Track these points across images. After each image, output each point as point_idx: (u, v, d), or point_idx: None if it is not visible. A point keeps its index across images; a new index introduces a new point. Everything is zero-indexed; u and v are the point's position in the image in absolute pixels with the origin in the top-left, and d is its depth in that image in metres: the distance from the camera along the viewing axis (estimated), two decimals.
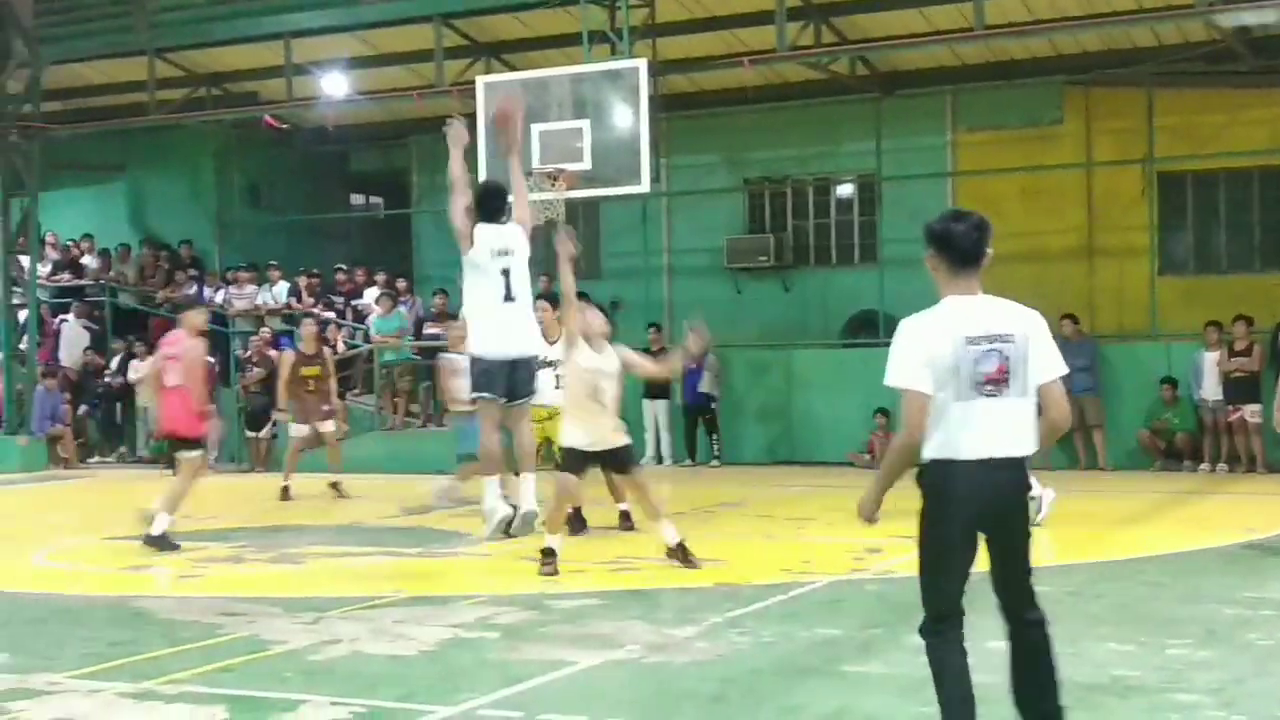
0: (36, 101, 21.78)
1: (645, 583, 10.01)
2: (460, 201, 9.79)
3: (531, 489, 9.69)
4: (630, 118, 16.18)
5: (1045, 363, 5.12)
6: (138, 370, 21.72)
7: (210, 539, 12.75)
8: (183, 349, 12.21)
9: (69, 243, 24.75)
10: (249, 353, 21.24)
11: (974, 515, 5.02)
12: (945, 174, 21.10)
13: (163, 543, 11.78)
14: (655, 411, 20.25)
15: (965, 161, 21.02)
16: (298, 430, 16.73)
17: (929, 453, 5.00)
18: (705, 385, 19.91)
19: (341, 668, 7.32)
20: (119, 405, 22.61)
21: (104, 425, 22.87)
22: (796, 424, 20.03)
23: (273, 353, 20.36)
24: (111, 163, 24.75)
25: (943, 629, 5.07)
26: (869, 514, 5.32)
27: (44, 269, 23.57)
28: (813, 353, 20.92)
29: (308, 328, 17.60)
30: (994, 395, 4.97)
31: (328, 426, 16.81)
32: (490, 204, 9.84)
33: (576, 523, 12.13)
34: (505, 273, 9.57)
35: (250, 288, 22.78)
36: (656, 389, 20.20)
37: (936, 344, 4.96)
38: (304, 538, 12.68)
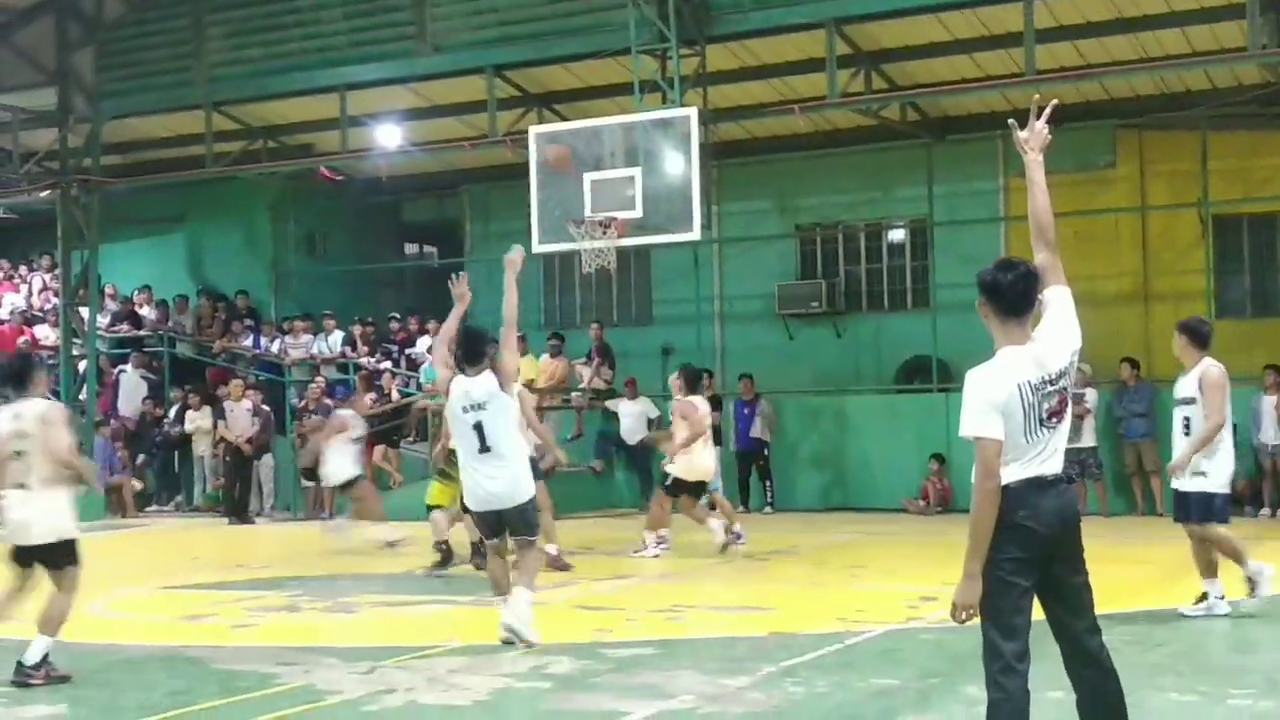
0: (96, 156, 22.15)
1: (698, 631, 9.97)
2: (442, 351, 9.83)
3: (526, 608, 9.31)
4: (682, 165, 16.25)
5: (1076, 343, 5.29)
6: (194, 420, 21.96)
7: (265, 587, 12.82)
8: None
9: (128, 294, 25.08)
10: (304, 401, 21.40)
11: (1046, 537, 5.02)
12: (998, 219, 21.04)
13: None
14: None
15: (1018, 206, 20.87)
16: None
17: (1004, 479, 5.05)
18: (758, 431, 19.89)
19: (396, 718, 7.32)
20: (176, 454, 22.82)
21: (161, 474, 23.08)
22: (850, 470, 19.95)
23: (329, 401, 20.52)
24: (170, 215, 25.10)
25: (1018, 672, 4.97)
26: (969, 602, 5.01)
27: (103, 320, 23.89)
28: (866, 398, 20.87)
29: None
30: (1056, 425, 5.14)
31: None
32: (465, 349, 9.56)
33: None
34: (477, 427, 9.24)
35: (306, 337, 23.00)
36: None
37: (1004, 395, 5.04)
38: (358, 586, 12.72)
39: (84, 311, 22.64)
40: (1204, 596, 9.93)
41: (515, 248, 10.14)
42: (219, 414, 21.49)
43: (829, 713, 7.19)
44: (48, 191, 22.30)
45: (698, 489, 14.69)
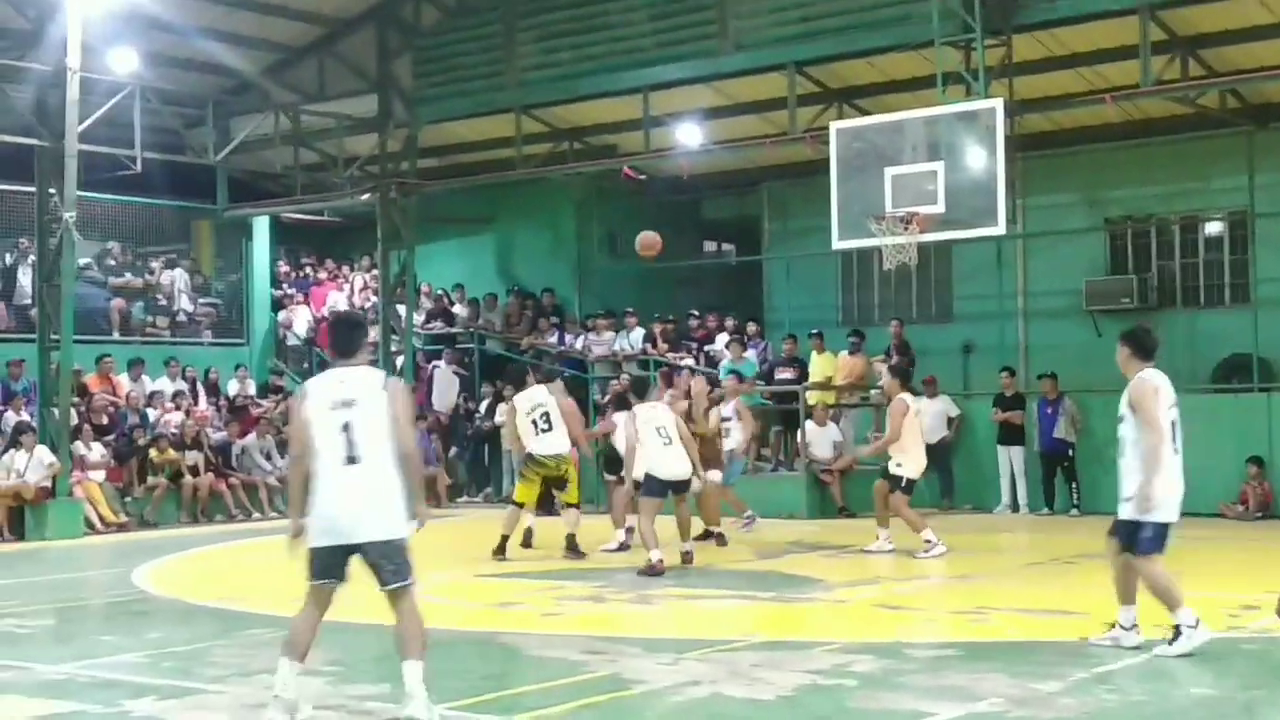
0: (414, 159, 23.15)
1: (1003, 634, 9.79)
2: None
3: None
4: (985, 158, 15.94)
5: None
6: (503, 415, 22.69)
7: (571, 577, 13.16)
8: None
9: (440, 292, 26.10)
10: (606, 398, 21.83)
11: None
12: None
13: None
14: (1010, 458, 19.82)
15: None
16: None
17: None
18: (1061, 431, 19.34)
19: (702, 709, 7.43)
20: (486, 448, 23.61)
21: (472, 467, 23.93)
22: None
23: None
24: (480, 215, 26.02)
25: None
26: None
27: (419, 318, 24.93)
28: (1180, 398, 19.98)
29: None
30: None
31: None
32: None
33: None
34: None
35: (608, 334, 23.50)
36: (1011, 435, 19.78)
37: None
38: (659, 579, 12.91)
39: (401, 309, 23.65)
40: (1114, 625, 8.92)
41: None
42: None
43: None
44: (368, 195, 23.38)
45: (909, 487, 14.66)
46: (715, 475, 15.56)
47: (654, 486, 13.56)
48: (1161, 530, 8.70)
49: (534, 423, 14.75)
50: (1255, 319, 19.47)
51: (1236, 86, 18.87)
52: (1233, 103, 19.50)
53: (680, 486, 13.80)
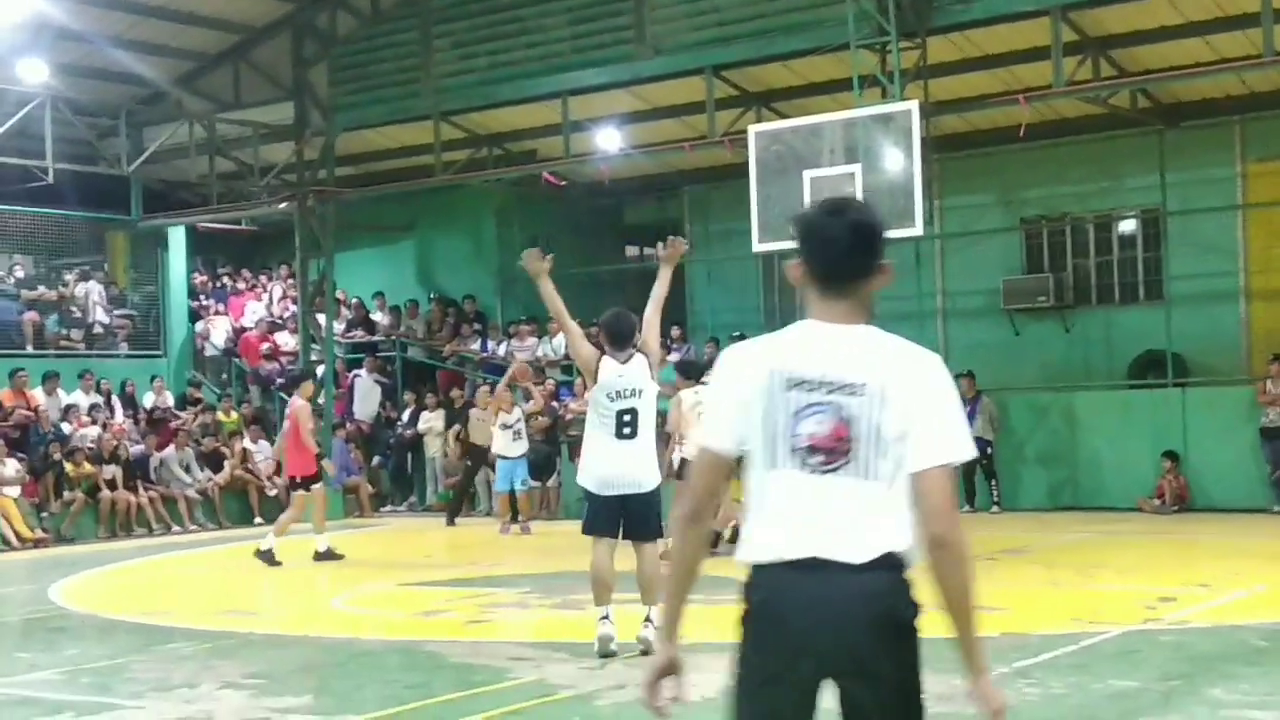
0: (331, 167, 22.97)
1: (928, 630, 9.84)
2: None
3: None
4: (902, 160, 16.06)
5: None
6: (427, 422, 22.61)
7: (497, 585, 13.11)
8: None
9: (360, 300, 25.94)
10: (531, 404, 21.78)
11: None
12: (1235, 207, 20.26)
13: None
14: None
15: (1256, 193, 20.13)
16: None
17: None
18: (980, 429, 19.52)
19: (629, 713, 7.42)
20: (409, 456, 23.49)
21: (395, 475, 23.79)
22: (1080, 468, 19.44)
23: (555, 404, 21.01)
24: (400, 223, 25.87)
25: None
26: None
27: (339, 326, 24.74)
28: (1096, 394, 20.32)
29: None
30: None
31: None
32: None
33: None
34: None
35: (531, 340, 23.45)
36: None
37: None
38: (586, 584, 12.84)
39: (321, 318, 23.47)
40: None
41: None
42: (453, 417, 22.11)
43: (1066, 715, 7.04)
44: (285, 203, 23.18)
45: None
46: None
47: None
48: None
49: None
50: (1169, 315, 19.77)
51: (1147, 86, 19.17)
52: (1143, 102, 19.81)
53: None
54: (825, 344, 3.50)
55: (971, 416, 19.49)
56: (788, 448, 3.43)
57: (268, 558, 15.05)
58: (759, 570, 3.47)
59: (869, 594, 3.38)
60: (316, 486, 15.94)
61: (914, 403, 3.44)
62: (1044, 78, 17.59)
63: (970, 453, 3.53)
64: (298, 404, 16.02)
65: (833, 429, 3.40)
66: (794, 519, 3.41)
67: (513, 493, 18.96)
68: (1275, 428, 17.79)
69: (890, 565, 3.41)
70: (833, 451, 3.40)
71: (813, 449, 3.41)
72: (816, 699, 3.42)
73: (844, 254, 3.54)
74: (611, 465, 8.91)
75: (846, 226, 3.54)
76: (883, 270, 3.60)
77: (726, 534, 14.83)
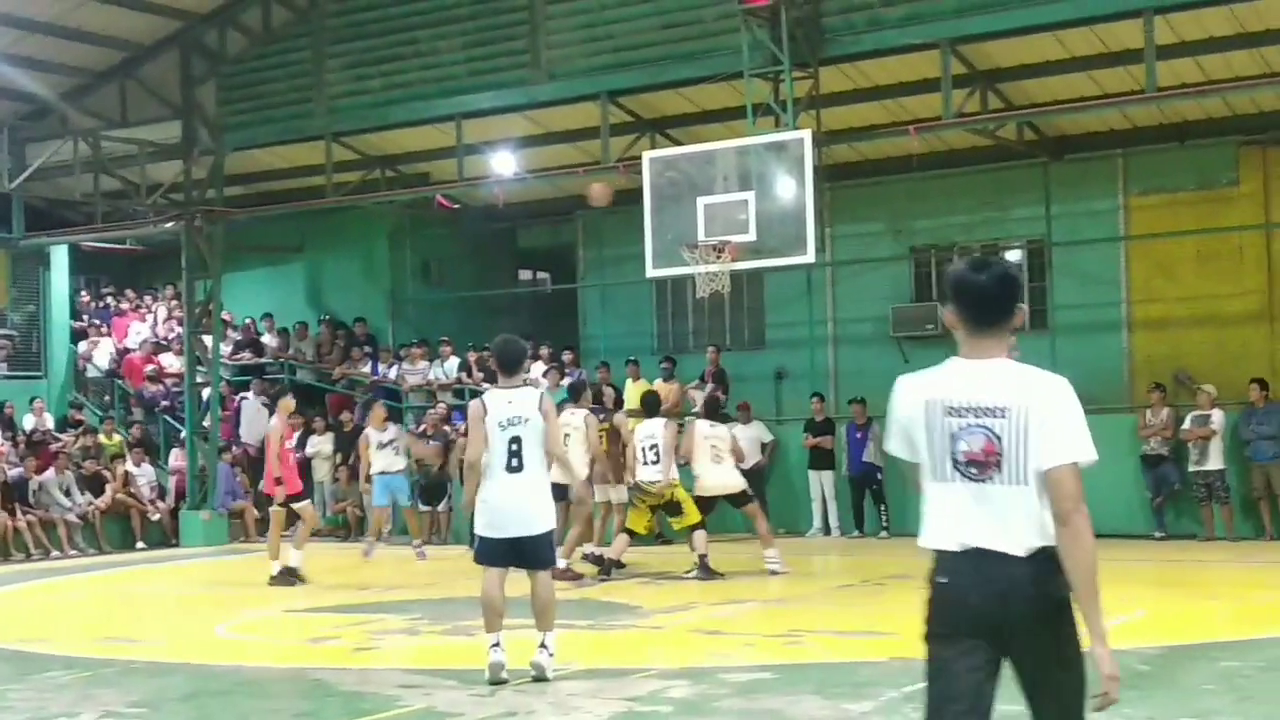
0: (219, 187, 22.64)
1: (816, 656, 9.90)
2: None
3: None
4: (795, 188, 16.20)
5: None
6: (315, 446, 22.33)
7: (387, 610, 12.96)
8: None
9: (248, 320, 25.58)
10: (422, 427, 21.64)
11: None
12: (1118, 238, 20.69)
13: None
14: (821, 482, 20.17)
15: (1138, 225, 20.58)
16: None
17: None
18: (870, 455, 19.74)
19: None
20: None
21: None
22: None
23: (447, 427, 20.87)
24: (290, 244, 25.57)
25: None
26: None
27: (226, 348, 24.37)
28: None
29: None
30: None
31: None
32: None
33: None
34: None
35: (423, 363, 23.28)
36: (822, 460, 20.13)
37: None
38: (476, 609, 12.76)
39: (207, 339, 23.10)
40: None
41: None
42: (342, 440, 21.88)
43: None
44: (172, 223, 22.81)
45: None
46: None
47: (702, 502, 15.02)
48: None
49: (644, 451, 15.02)
50: (1053, 345, 20.11)
51: (1033, 119, 19.55)
52: (1030, 135, 20.18)
53: (738, 500, 15.29)
54: (972, 377, 4.40)
55: (863, 442, 19.73)
56: (950, 462, 4.29)
57: (290, 576, 15.56)
58: (940, 556, 4.32)
59: (1028, 579, 4.15)
60: (304, 504, 16.49)
61: (1049, 418, 4.23)
62: (933, 109, 17.85)
63: (1093, 455, 4.20)
64: (273, 423, 16.46)
65: (983, 446, 4.25)
66: (962, 517, 4.25)
67: (394, 508, 18.99)
68: (1156, 455, 18.17)
69: (1043, 555, 4.16)
70: (985, 464, 4.24)
71: (970, 462, 4.26)
72: (986, 661, 4.28)
73: (991, 302, 4.41)
74: (502, 500, 8.88)
75: (993, 280, 4.39)
76: (1019, 313, 4.46)
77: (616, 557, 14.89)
